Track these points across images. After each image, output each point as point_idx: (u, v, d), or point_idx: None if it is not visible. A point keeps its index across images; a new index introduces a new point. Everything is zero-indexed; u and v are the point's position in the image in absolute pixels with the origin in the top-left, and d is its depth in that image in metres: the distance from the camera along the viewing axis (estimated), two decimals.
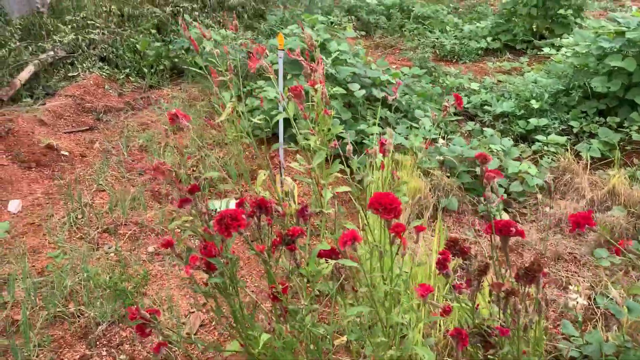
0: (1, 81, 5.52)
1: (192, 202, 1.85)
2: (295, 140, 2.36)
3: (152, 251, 3.44)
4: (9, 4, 6.18)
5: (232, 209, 1.48)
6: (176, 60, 6.48)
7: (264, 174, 3.39)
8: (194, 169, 4.43)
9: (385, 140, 2.17)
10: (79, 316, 2.82)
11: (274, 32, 8.07)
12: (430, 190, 3.87)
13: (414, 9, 8.80)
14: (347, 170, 2.06)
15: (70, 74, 6.01)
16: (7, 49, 5.77)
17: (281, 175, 3.55)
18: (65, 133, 4.97)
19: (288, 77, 5.05)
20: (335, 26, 5.28)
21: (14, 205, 3.91)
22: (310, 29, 4.96)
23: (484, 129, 4.85)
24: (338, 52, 4.67)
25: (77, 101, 5.49)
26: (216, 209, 3.88)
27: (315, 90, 1.95)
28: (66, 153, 4.63)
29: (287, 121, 3.78)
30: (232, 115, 2.35)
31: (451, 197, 3.83)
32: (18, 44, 5.91)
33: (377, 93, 4.70)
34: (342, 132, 4.40)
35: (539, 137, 4.56)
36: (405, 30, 8.37)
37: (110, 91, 5.94)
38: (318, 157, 1.94)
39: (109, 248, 3.42)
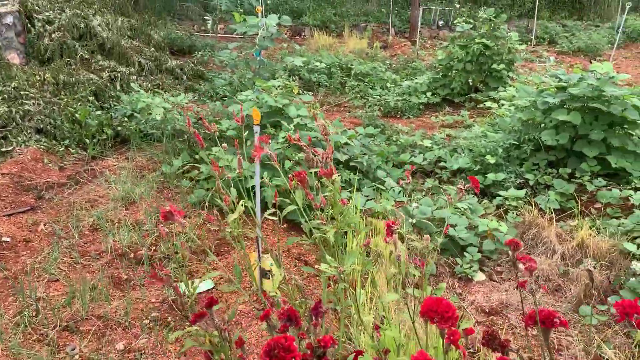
0: None
1: (209, 317, 1.65)
2: (277, 215, 2.20)
3: (122, 349, 3.11)
4: None
5: (280, 337, 1.31)
6: (119, 128, 6.20)
7: (254, 258, 3.20)
8: (155, 247, 4.14)
9: (393, 223, 2.08)
10: None
11: (217, 93, 7.98)
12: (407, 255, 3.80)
13: (352, 66, 9.02)
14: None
15: (3, 149, 5.57)
16: None
17: (258, 253, 3.37)
18: (4, 216, 4.54)
19: (248, 143, 4.93)
20: (282, 89, 5.26)
21: None
22: (266, 95, 4.90)
23: (443, 185, 4.91)
24: (298, 117, 4.62)
25: (14, 179, 5.07)
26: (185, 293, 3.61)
27: (333, 182, 1.84)
28: (7, 239, 4.21)
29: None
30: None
31: (430, 262, 3.79)
32: None
33: (340, 156, 4.67)
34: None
35: (501, 192, 4.66)
36: (346, 88, 8.53)
37: (50, 165, 5.55)
38: (351, 257, 1.81)
39: (72, 350, 3.06)
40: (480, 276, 3.89)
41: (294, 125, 4.48)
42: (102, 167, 5.62)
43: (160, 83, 8.15)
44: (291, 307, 1.60)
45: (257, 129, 3.13)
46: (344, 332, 2.79)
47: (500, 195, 4.67)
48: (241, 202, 2.06)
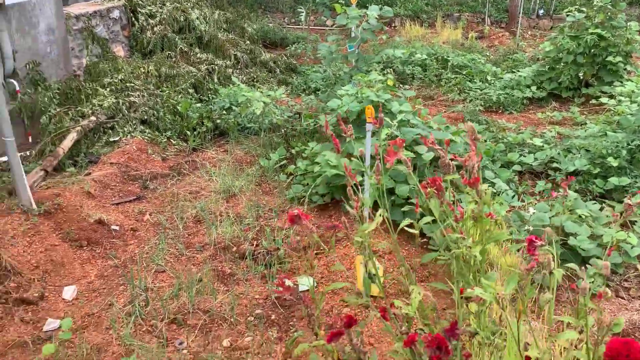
0: (44, 151, 5.31)
1: (347, 336, 1.52)
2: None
3: (228, 346, 3.09)
4: (47, 69, 6.04)
5: None
6: (218, 120, 6.28)
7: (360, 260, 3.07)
8: (256, 241, 4.11)
9: (537, 238, 1.86)
10: None
11: (309, 87, 7.92)
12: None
13: (449, 58, 8.64)
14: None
15: (111, 139, 5.80)
16: (47, 115, 5.59)
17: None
18: (113, 205, 4.71)
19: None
20: (382, 83, 5.07)
21: (69, 292, 3.60)
22: (367, 90, 4.73)
23: (560, 190, 4.53)
24: (401, 113, 4.42)
25: (122, 169, 5.25)
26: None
27: (482, 194, 1.65)
28: (117, 227, 4.35)
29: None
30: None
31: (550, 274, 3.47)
32: (58, 109, 5.73)
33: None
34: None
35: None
36: (442, 80, 8.19)
37: (154, 156, 5.71)
38: (512, 281, 1.61)
39: (180, 344, 3.08)
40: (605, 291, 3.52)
41: (397, 122, 4.28)
42: (203, 159, 5.71)
43: (255, 76, 8.21)
44: (439, 334, 1.44)
45: (370, 126, 2.98)
46: None
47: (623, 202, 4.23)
48: (379, 212, 1.90)
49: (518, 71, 8.00)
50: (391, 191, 4.19)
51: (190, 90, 6.93)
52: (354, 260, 3.75)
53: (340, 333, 1.51)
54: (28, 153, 5.41)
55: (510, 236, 3.71)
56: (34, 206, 4.13)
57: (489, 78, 7.96)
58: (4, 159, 5.31)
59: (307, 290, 3.61)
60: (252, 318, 3.32)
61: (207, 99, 6.99)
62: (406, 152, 4.23)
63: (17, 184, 4.09)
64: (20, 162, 4.15)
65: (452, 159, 1.88)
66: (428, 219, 1.84)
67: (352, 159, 4.34)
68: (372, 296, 3.34)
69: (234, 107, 6.38)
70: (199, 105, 6.52)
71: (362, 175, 4.07)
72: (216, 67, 7.71)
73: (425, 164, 4.44)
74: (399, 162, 1.86)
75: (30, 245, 3.84)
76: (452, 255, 1.75)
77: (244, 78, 7.98)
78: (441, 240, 1.85)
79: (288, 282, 3.24)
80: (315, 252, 3.99)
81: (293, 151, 5.49)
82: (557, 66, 7.44)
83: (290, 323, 3.29)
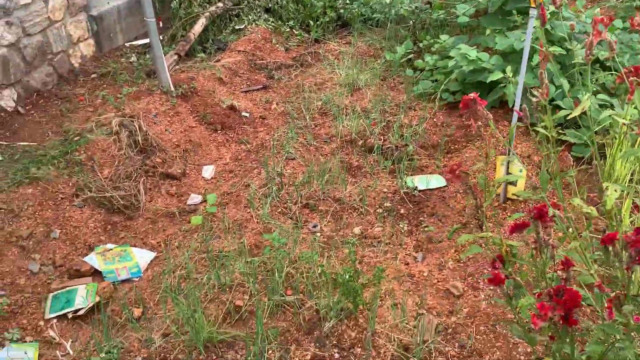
0: (175, 35, 5.46)
1: (535, 228, 1.43)
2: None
3: (359, 233, 3.15)
4: None
5: None
6: (341, 10, 6.06)
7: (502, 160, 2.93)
8: (382, 137, 4.05)
9: None
10: (299, 307, 2.62)
11: None
12: None
13: None
14: None
15: (237, 27, 5.82)
16: (177, 0, 5.67)
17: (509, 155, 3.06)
18: (242, 92, 4.81)
19: (487, 32, 4.45)
20: None
21: (208, 172, 3.81)
22: None
23: None
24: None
25: (248, 57, 5.29)
26: (416, 187, 3.51)
27: None
28: (247, 114, 4.47)
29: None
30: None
31: None
32: None
33: (598, 53, 3.97)
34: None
35: None
36: None
37: (277, 46, 5.69)
38: None
39: (314, 227, 3.18)
40: None
41: (549, 13, 3.86)
42: (325, 50, 5.60)
43: None
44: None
45: (533, 12, 2.68)
46: None
47: None
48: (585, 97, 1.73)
49: None
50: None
51: None
52: (494, 161, 3.60)
53: (524, 225, 1.43)
54: (160, 38, 5.58)
55: None
56: (172, 88, 4.30)
57: None
58: (141, 42, 5.53)
59: (439, 188, 3.54)
60: (381, 210, 3.34)
61: None
62: (557, 48, 3.86)
63: (157, 64, 4.25)
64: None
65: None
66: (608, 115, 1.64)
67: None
68: (509, 198, 3.22)
69: None
70: None
71: (504, 72, 3.80)
72: None
73: (575, 63, 4.03)
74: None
75: (170, 124, 4.05)
76: None
77: None
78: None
79: (408, 181, 3.17)
80: (445, 151, 3.87)
81: (421, 45, 5.21)
82: None
83: (420, 218, 3.27)
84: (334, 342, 2.45)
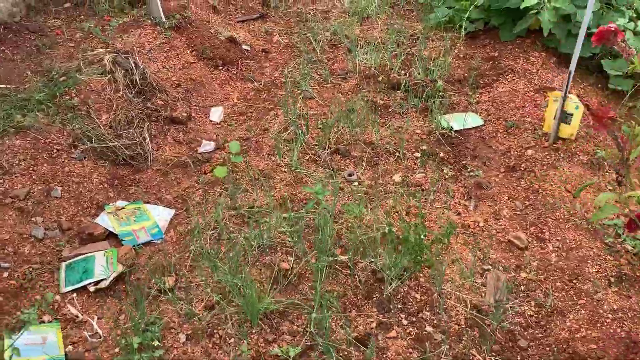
0: None
1: None
2: None
3: (399, 181, 2.87)
4: None
5: None
6: None
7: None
8: (403, 70, 3.69)
9: None
10: (351, 268, 2.35)
11: None
12: None
13: None
14: None
15: None
16: None
17: (565, 93, 2.79)
18: (238, 22, 4.30)
19: None
20: None
21: (217, 114, 3.40)
22: None
23: None
24: None
25: None
26: (451, 127, 3.21)
27: None
28: (248, 47, 4.00)
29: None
30: None
31: None
32: None
33: None
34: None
35: None
36: None
37: None
38: None
39: (350, 175, 2.87)
40: None
41: None
42: None
43: None
44: None
45: None
46: None
47: None
48: None
49: None
50: (568, 18, 3.58)
51: None
52: (527, 97, 3.32)
53: None
54: None
55: None
56: (164, 18, 3.78)
57: None
58: None
59: (476, 127, 3.25)
60: (419, 154, 3.05)
61: None
62: None
63: None
64: None
65: None
66: None
67: None
68: (561, 138, 2.98)
69: None
70: None
71: None
72: None
73: None
74: None
75: (167, 60, 3.57)
76: None
77: None
78: None
79: (441, 121, 2.85)
80: (474, 86, 3.56)
81: None
82: None
83: (463, 162, 3.00)
84: (399, 307, 2.21)
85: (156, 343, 2.04)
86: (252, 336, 2.08)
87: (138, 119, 3.10)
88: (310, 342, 2.06)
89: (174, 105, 3.33)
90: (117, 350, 2.06)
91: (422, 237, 2.18)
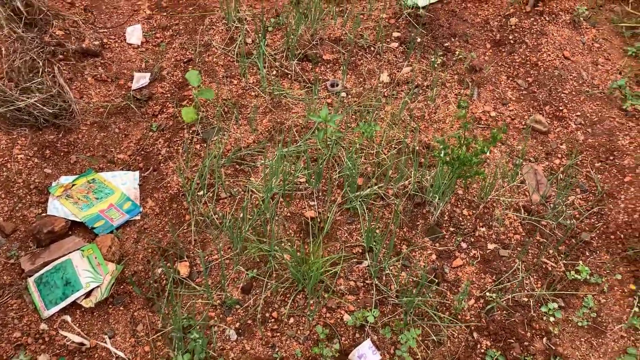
0: None
1: None
2: None
3: (388, 81, 2.50)
4: None
5: None
6: None
7: None
8: None
9: None
10: (382, 198, 2.05)
11: None
12: None
13: None
14: None
15: None
16: None
17: None
18: None
19: None
20: None
21: (135, 35, 2.68)
22: None
23: None
24: None
25: None
26: (417, 4, 2.82)
27: None
28: None
29: None
30: None
31: None
32: None
33: None
34: None
35: None
36: None
37: None
38: None
39: (333, 86, 2.44)
40: None
41: None
42: None
43: None
44: None
45: None
46: None
47: None
48: None
49: None
50: None
51: None
52: None
53: None
54: None
55: None
56: None
57: None
58: None
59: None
60: (396, 44, 2.65)
61: None
62: None
63: None
64: None
65: None
66: None
67: None
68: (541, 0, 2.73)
69: None
70: None
71: None
72: None
73: None
74: None
75: None
76: None
77: None
78: None
79: None
80: None
81: None
82: None
83: (446, 44, 2.65)
84: (451, 230, 1.99)
85: (202, 353, 1.66)
86: (311, 308, 1.77)
87: (42, 61, 2.33)
88: (379, 296, 1.80)
89: (77, 33, 2.56)
90: None
91: (464, 153, 1.89)
